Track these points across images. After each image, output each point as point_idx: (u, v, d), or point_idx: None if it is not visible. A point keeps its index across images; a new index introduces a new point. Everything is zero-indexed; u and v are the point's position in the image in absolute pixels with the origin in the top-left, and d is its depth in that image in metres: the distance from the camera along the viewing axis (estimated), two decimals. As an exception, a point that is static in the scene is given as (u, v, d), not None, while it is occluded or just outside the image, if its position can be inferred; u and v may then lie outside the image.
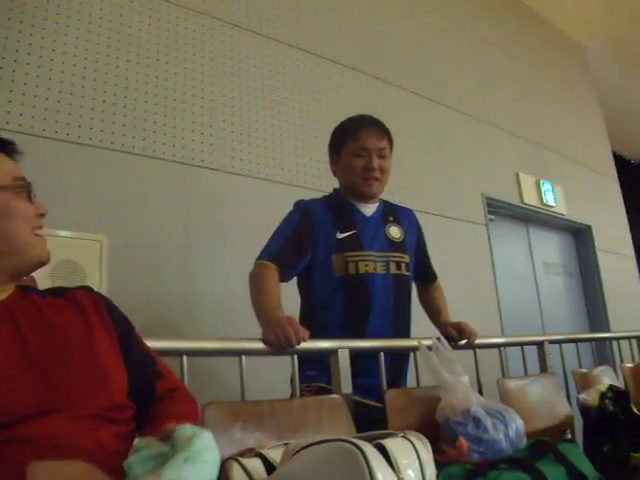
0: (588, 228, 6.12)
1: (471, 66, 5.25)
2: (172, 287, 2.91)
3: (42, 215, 1.17)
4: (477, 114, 5.10)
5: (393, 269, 2.25)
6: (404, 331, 2.31)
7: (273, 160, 3.48)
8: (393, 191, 3.52)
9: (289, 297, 2.16)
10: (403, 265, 2.29)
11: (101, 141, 2.84)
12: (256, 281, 2.05)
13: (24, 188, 1.14)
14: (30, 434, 0.93)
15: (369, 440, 1.05)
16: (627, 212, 7.02)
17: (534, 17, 6.38)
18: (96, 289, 2.59)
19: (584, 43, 7.04)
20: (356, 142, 2.27)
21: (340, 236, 2.22)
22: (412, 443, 1.08)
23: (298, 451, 1.06)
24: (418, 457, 1.06)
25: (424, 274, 2.52)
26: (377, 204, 2.38)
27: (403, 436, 1.10)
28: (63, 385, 1.01)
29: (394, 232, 2.33)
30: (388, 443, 1.04)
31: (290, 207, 2.33)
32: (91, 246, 2.66)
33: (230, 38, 3.51)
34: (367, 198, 2.33)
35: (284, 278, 2.12)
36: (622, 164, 8.53)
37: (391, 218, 2.38)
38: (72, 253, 2.58)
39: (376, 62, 4.35)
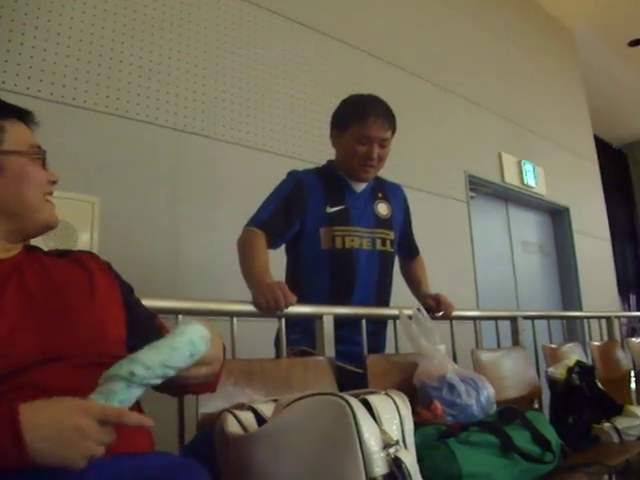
0: (566, 210, 6.25)
1: (458, 45, 5.31)
2: (160, 251, 2.98)
3: (54, 182, 1.23)
4: (463, 93, 5.17)
5: (379, 245, 2.33)
6: (385, 304, 2.40)
7: (263, 130, 3.54)
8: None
9: (275, 264, 2.24)
10: (388, 242, 2.37)
11: (96, 104, 2.88)
12: (245, 247, 2.12)
13: (39, 155, 1.21)
14: (37, 380, 0.99)
15: (355, 396, 1.15)
16: (605, 196, 7.15)
17: (524, -1, 6.44)
18: (87, 249, 2.66)
19: (571, 27, 7.08)
20: (361, 129, 2.26)
21: (329, 210, 2.27)
22: (393, 400, 1.19)
23: (290, 403, 1.17)
24: (398, 412, 1.17)
25: (408, 248, 2.60)
26: (367, 181, 2.42)
27: (385, 393, 1.20)
28: (67, 334, 1.08)
29: (382, 209, 2.40)
30: (372, 399, 1.15)
31: (279, 177, 2.36)
32: (83, 207, 2.72)
33: (225, 7, 3.54)
34: (358, 180, 2.37)
35: (272, 245, 2.18)
36: (603, 148, 8.67)
37: (380, 195, 2.43)
38: (65, 213, 2.60)
39: (367, 37, 4.40)
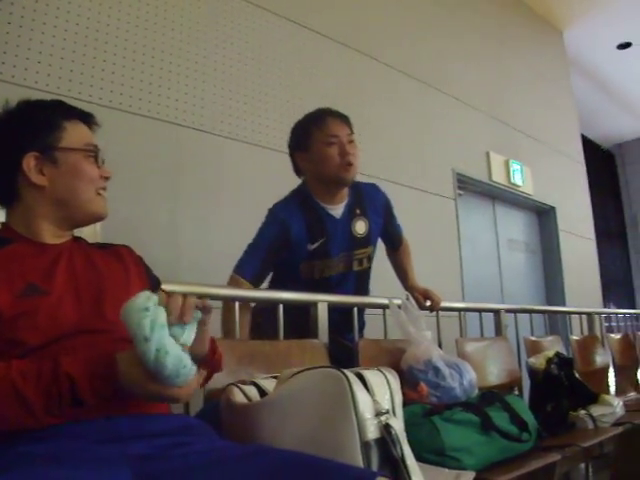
0: (552, 209, 6.38)
1: (448, 45, 5.41)
2: (160, 243, 3.05)
3: (106, 178, 1.38)
4: (452, 92, 5.29)
5: (356, 266, 2.41)
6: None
7: (259, 125, 3.65)
8: (369, 162, 3.72)
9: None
10: (365, 259, 2.44)
11: (100, 99, 2.97)
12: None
13: (93, 153, 1.35)
14: (77, 347, 1.14)
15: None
16: (594, 196, 7.29)
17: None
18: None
19: (562, 29, 7.19)
20: (325, 131, 2.26)
21: (311, 247, 2.29)
22: (384, 375, 1.32)
23: (293, 375, 1.30)
24: (389, 386, 1.31)
25: (392, 241, 2.68)
26: (345, 201, 2.40)
27: (377, 369, 1.33)
28: (103, 313, 1.23)
29: (359, 227, 2.40)
30: (365, 373, 1.28)
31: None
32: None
33: (224, 6, 3.65)
34: (342, 187, 2.35)
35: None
36: (592, 149, 8.81)
37: (358, 211, 2.42)
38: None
39: (357, 35, 4.50)
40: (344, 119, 2.33)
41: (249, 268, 2.21)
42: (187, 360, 1.00)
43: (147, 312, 0.99)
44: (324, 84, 4.06)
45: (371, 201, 2.49)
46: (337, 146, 2.26)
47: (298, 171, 2.41)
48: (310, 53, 4.10)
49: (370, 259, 2.46)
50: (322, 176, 2.31)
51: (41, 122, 1.31)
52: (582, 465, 2.96)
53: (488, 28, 6.02)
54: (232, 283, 2.19)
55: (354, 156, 2.28)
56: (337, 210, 2.37)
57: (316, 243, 2.29)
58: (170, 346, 0.98)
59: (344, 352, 2.17)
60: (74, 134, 1.32)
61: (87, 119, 1.38)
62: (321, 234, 2.31)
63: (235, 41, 3.65)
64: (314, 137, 2.28)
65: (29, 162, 1.26)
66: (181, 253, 3.14)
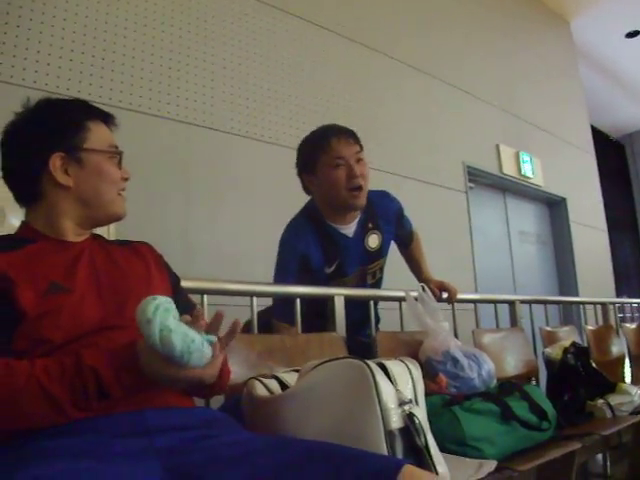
0: (563, 200, 6.35)
1: (456, 38, 5.40)
2: (173, 241, 3.06)
3: (126, 179, 1.39)
4: (462, 85, 5.28)
5: (369, 280, 2.40)
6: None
7: (269, 122, 3.66)
8: (381, 157, 3.72)
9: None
10: (378, 271, 2.43)
11: (110, 99, 2.99)
12: None
13: (116, 155, 1.36)
14: (99, 343, 1.15)
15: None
16: (604, 186, 7.24)
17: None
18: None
19: (569, 19, 7.17)
20: (330, 153, 2.17)
21: (328, 271, 2.26)
22: (406, 365, 1.33)
23: (316, 366, 1.31)
24: (411, 375, 1.31)
25: (404, 242, 2.63)
26: (357, 219, 2.33)
27: (399, 359, 1.34)
28: (125, 310, 1.23)
29: (372, 241, 2.35)
30: (387, 363, 1.29)
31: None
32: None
33: (231, 4, 3.66)
34: (352, 211, 2.28)
35: None
36: (601, 139, 8.76)
37: (370, 225, 2.35)
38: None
39: (365, 31, 4.51)
40: (350, 136, 2.23)
41: (287, 311, 2.12)
42: (195, 334, 1.02)
43: (154, 300, 1.01)
44: (333, 80, 4.07)
45: (383, 212, 2.42)
46: (344, 167, 2.18)
47: (307, 189, 2.35)
48: (318, 49, 4.11)
49: (382, 269, 2.46)
50: (331, 200, 2.26)
51: (67, 122, 1.31)
52: (599, 456, 2.96)
53: (496, 21, 6.00)
54: (280, 331, 2.09)
55: (363, 177, 2.20)
56: (349, 229, 2.31)
57: (333, 266, 2.26)
58: (173, 325, 1.00)
59: (360, 349, 2.17)
60: (98, 135, 1.34)
61: (107, 119, 1.39)
62: (335, 256, 2.27)
63: (243, 39, 3.66)
64: (320, 160, 2.20)
65: (55, 162, 1.26)
66: (192, 250, 3.14)
